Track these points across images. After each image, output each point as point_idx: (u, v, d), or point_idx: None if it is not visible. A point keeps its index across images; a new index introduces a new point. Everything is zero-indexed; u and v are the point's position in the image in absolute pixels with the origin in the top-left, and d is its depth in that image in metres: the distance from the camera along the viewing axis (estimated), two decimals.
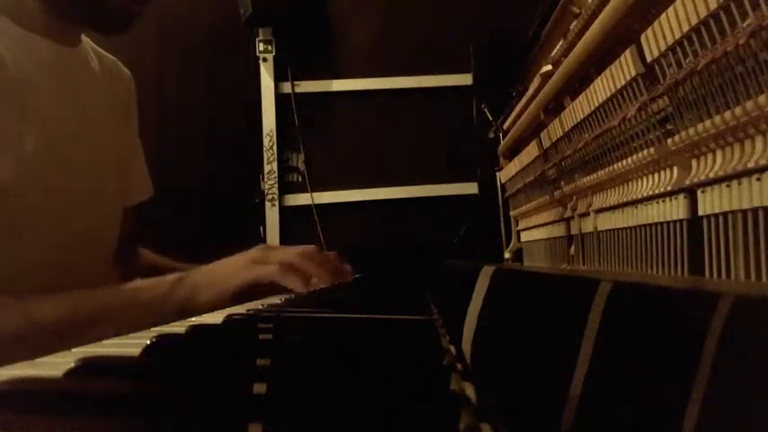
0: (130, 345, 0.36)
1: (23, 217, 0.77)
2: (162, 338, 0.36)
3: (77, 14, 0.84)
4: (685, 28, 0.54)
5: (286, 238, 2.18)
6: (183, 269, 1.04)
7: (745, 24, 0.47)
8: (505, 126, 1.49)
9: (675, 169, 0.63)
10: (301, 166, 2.26)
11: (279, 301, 0.70)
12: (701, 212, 0.56)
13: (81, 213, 0.85)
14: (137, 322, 0.75)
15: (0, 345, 0.69)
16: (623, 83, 0.70)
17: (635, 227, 0.72)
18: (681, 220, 0.61)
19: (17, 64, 0.78)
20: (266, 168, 2.21)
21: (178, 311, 0.77)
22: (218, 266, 0.82)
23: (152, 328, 0.44)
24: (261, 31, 2.21)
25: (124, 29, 0.86)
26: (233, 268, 0.81)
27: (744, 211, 0.50)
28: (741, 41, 0.47)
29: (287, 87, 2.24)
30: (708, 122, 0.54)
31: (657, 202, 0.66)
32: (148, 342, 0.35)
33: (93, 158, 0.89)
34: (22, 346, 0.70)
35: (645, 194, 0.69)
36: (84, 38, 0.92)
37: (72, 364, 0.29)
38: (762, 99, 0.46)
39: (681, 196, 0.61)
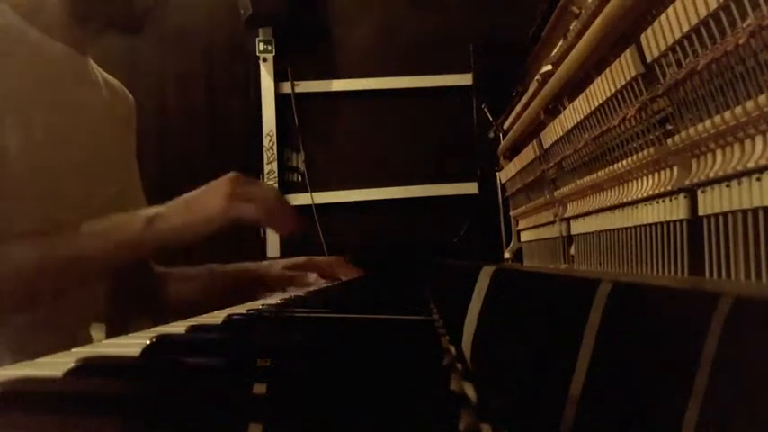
0: (130, 345, 0.36)
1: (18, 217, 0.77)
2: (162, 338, 0.36)
3: (102, 16, 0.86)
4: (685, 28, 0.54)
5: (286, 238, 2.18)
6: (182, 272, 1.05)
7: (745, 24, 0.47)
8: (505, 126, 1.49)
9: (675, 169, 0.63)
10: (301, 166, 2.26)
11: (279, 301, 0.70)
12: (701, 212, 0.56)
13: (77, 217, 0.85)
14: (115, 261, 0.79)
15: None
16: (623, 83, 0.70)
17: (635, 227, 0.72)
18: (681, 220, 0.61)
19: (34, 65, 0.79)
20: (266, 168, 2.21)
21: (156, 248, 0.81)
22: (193, 202, 0.80)
23: (152, 329, 0.44)
24: (261, 31, 2.21)
25: (142, 28, 0.88)
26: (211, 204, 0.79)
27: (744, 211, 0.50)
28: (741, 41, 0.47)
29: (287, 87, 2.24)
30: (708, 122, 0.54)
31: (657, 202, 0.66)
32: (148, 342, 0.35)
33: (94, 167, 0.89)
34: (6, 295, 0.70)
35: (645, 194, 0.69)
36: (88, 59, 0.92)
37: (72, 364, 0.29)
38: (762, 99, 0.46)
39: (681, 196, 0.61)
